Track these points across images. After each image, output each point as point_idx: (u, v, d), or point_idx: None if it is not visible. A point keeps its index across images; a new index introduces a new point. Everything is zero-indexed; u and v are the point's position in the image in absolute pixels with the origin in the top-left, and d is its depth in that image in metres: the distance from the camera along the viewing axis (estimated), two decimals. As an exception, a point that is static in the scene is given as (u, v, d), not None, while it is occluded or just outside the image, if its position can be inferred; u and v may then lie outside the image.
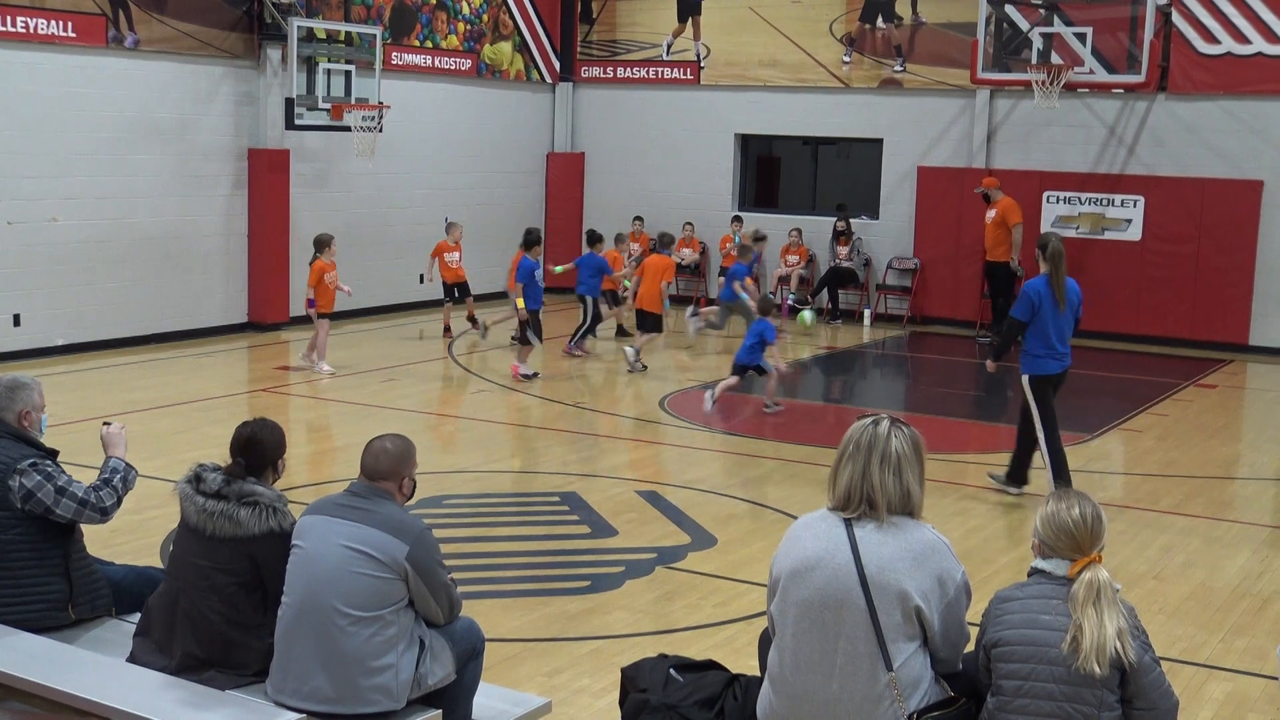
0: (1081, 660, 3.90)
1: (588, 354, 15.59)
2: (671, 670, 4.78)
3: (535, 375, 13.98)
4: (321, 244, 14.18)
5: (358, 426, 11.64)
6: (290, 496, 5.14)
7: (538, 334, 14.12)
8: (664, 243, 15.75)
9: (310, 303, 14.09)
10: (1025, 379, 9.57)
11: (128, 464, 5.45)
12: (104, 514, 5.26)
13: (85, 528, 5.39)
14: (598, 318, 15.78)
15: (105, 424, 5.53)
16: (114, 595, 5.46)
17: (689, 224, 19.66)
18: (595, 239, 16.11)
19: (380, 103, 16.93)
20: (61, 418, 9.59)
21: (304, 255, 17.03)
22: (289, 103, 16.32)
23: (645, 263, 15.60)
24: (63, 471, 5.27)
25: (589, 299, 15.57)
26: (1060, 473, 9.50)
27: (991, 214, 17.31)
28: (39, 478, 5.14)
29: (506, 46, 20.31)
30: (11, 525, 5.13)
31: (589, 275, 15.63)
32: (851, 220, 19.32)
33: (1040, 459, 9.62)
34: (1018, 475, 9.91)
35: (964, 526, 9.06)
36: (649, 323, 15.26)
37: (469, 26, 19.59)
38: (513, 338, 15.14)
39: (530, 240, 14.12)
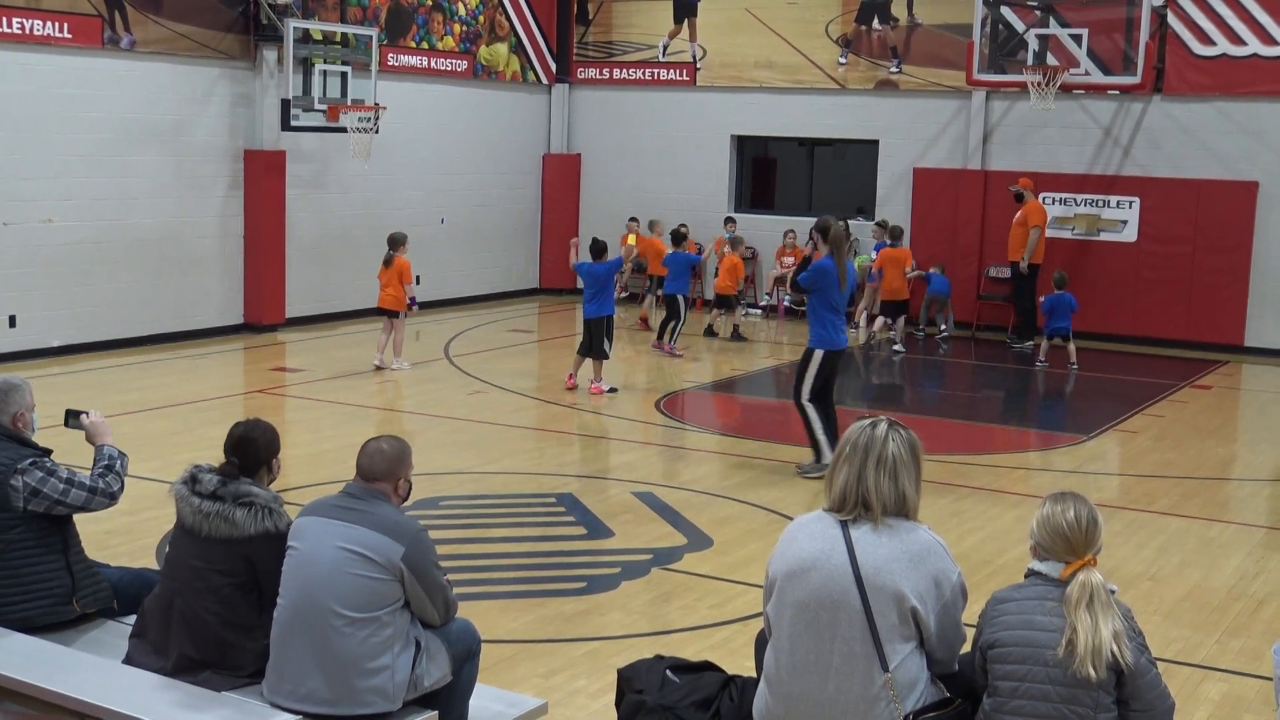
0: (1078, 664, 3.90)
1: (683, 354, 15.83)
2: (668, 671, 4.78)
3: (615, 390, 13.46)
4: (398, 241, 14.10)
5: (353, 428, 11.63)
6: (286, 498, 5.14)
7: (609, 342, 13.55)
8: (895, 235, 17.22)
9: (413, 300, 14.01)
10: (820, 353, 10.19)
11: (120, 450, 5.52)
12: (112, 498, 5.35)
13: (79, 529, 5.40)
14: (679, 315, 15.98)
15: (84, 413, 5.55)
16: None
17: (684, 225, 19.62)
18: (681, 237, 16.49)
19: (376, 104, 16.92)
20: (56, 419, 9.56)
21: (300, 257, 17.07)
22: (285, 104, 16.31)
23: (884, 254, 17.26)
24: (60, 466, 5.30)
25: (680, 296, 15.90)
26: (834, 436, 10.04)
27: (1019, 215, 17.25)
28: (41, 473, 5.18)
29: (502, 48, 20.31)
30: (13, 525, 5.15)
31: (679, 273, 15.95)
32: (850, 222, 19.29)
33: (813, 428, 10.30)
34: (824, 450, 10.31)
35: (961, 528, 9.06)
36: (895, 310, 16.91)
37: (465, 28, 19.58)
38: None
39: (596, 248, 13.65)
